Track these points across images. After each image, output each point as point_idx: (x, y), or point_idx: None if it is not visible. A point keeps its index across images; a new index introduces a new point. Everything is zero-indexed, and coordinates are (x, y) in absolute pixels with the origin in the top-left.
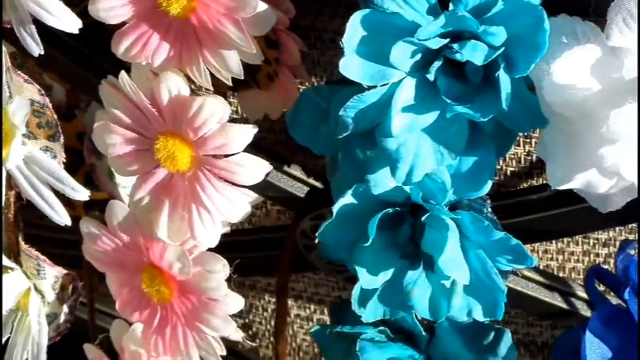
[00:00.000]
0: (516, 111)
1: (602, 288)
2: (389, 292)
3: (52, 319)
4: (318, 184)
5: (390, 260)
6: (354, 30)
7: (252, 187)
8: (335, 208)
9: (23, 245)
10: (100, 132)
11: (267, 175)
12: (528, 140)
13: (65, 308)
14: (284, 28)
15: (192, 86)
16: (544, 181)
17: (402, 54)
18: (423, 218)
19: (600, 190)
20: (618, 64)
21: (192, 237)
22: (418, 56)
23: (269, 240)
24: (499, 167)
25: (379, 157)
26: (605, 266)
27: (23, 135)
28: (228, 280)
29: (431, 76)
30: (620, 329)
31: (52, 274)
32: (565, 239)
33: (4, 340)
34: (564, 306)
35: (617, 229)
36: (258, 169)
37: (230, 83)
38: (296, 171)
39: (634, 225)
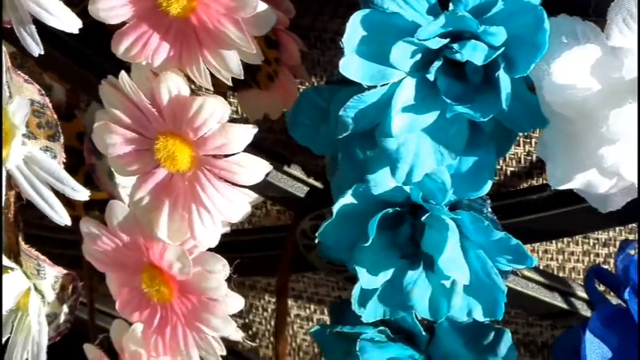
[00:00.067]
0: (516, 111)
1: (602, 288)
2: (389, 292)
3: (52, 319)
4: (318, 184)
5: (390, 260)
6: (354, 30)
7: (252, 187)
8: (335, 208)
9: (23, 245)
10: (100, 132)
11: (267, 175)
12: (528, 140)
13: (65, 308)
14: (284, 28)
15: (193, 86)
16: (544, 181)
17: (402, 54)
18: (423, 218)
19: (600, 190)
20: (618, 64)
21: (192, 237)
22: (418, 56)
23: (269, 240)
24: (499, 167)
25: (379, 157)
26: (605, 266)
27: (23, 135)
28: (228, 280)
29: (431, 76)
30: (620, 329)
31: (52, 274)
32: (565, 239)
33: (3, 340)
34: (564, 306)
35: (617, 229)
36: (258, 169)
37: (230, 83)
38: (296, 171)
39: (634, 225)
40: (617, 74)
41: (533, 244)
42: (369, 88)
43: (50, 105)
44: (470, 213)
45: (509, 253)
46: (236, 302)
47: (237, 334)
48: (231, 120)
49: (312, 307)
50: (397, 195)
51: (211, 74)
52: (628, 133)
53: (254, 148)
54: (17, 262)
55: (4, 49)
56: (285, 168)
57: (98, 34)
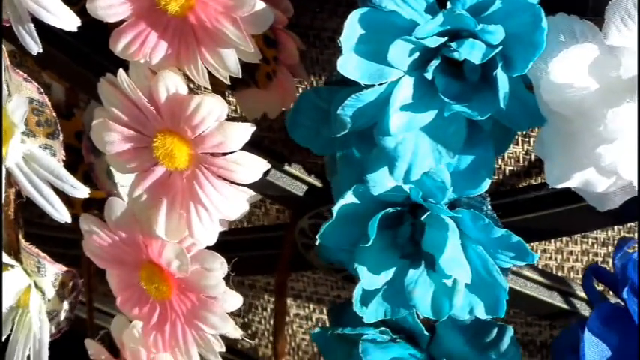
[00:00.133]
0: (514, 110)
1: (600, 287)
2: (390, 291)
3: (52, 316)
4: (317, 183)
5: (391, 260)
6: (352, 29)
7: (250, 186)
8: (335, 209)
9: (23, 242)
10: (98, 130)
11: (265, 173)
12: (527, 139)
13: (66, 305)
14: (282, 27)
15: (191, 85)
16: (542, 180)
17: (400, 52)
18: (423, 218)
19: (598, 189)
20: (616, 63)
21: (190, 235)
22: (416, 55)
23: (268, 239)
24: (498, 166)
25: (378, 157)
26: (604, 265)
27: (22, 133)
28: (227, 278)
29: (429, 75)
30: (618, 328)
31: (53, 271)
32: (564, 238)
33: (4, 337)
34: (563, 305)
35: (615, 228)
36: (256, 167)
37: (228, 82)
38: (295, 170)
39: (633, 224)
40: (615, 73)
41: (531, 244)
42: (367, 87)
43: (49, 103)
44: (470, 211)
45: (510, 250)
46: (234, 300)
47: (235, 332)
48: (230, 119)
49: (311, 306)
50: (397, 195)
51: (209, 73)
52: (626, 132)
53: (253, 146)
54: (17, 259)
55: (3, 47)
56: (284, 167)
57: (97, 33)
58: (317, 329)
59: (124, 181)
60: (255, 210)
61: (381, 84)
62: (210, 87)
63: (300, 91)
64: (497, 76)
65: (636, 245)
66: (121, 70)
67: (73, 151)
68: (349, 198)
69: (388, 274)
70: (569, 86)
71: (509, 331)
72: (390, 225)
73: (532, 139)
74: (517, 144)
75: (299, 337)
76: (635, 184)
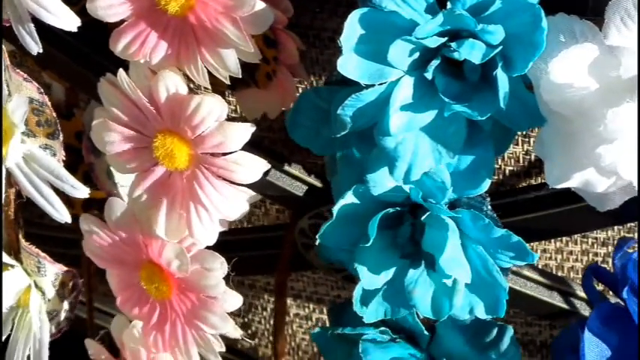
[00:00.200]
0: (514, 110)
1: (601, 287)
2: (390, 291)
3: (52, 316)
4: (317, 183)
5: (391, 260)
6: (352, 28)
7: (250, 186)
8: (335, 210)
9: (23, 242)
10: (98, 130)
11: (265, 173)
12: (527, 139)
13: (66, 305)
14: (282, 27)
15: (191, 85)
16: (542, 180)
17: (400, 52)
18: (423, 218)
19: (598, 189)
20: (616, 63)
21: (190, 235)
22: (416, 55)
23: (268, 239)
24: (498, 166)
25: (378, 157)
26: (604, 265)
27: (22, 133)
28: (227, 278)
29: (429, 75)
30: (618, 328)
31: (53, 271)
32: (564, 238)
33: (4, 337)
34: (563, 305)
35: (615, 228)
36: (256, 167)
37: (228, 82)
38: (295, 170)
39: (633, 224)
40: (615, 73)
41: (531, 244)
42: (368, 87)
43: (49, 103)
44: (470, 211)
45: (510, 250)
46: (234, 300)
47: (235, 332)
48: (230, 119)
49: (311, 306)
50: (397, 195)
51: (209, 73)
52: (626, 132)
53: (253, 146)
54: (17, 259)
55: (3, 47)
56: (284, 167)
57: (97, 33)
58: (317, 329)
59: (124, 181)
60: (255, 210)
61: (381, 84)
62: (210, 87)
63: (300, 91)
64: (497, 76)
65: (636, 245)
66: (121, 70)
67: (73, 151)
68: (349, 198)
69: (388, 274)
70: (569, 86)
71: (509, 331)
72: (390, 225)
73: (532, 139)
74: (517, 144)
75: (299, 337)
76: (635, 184)
